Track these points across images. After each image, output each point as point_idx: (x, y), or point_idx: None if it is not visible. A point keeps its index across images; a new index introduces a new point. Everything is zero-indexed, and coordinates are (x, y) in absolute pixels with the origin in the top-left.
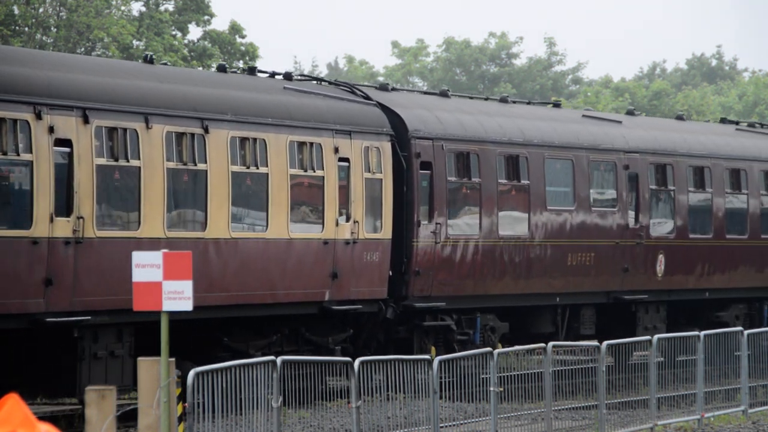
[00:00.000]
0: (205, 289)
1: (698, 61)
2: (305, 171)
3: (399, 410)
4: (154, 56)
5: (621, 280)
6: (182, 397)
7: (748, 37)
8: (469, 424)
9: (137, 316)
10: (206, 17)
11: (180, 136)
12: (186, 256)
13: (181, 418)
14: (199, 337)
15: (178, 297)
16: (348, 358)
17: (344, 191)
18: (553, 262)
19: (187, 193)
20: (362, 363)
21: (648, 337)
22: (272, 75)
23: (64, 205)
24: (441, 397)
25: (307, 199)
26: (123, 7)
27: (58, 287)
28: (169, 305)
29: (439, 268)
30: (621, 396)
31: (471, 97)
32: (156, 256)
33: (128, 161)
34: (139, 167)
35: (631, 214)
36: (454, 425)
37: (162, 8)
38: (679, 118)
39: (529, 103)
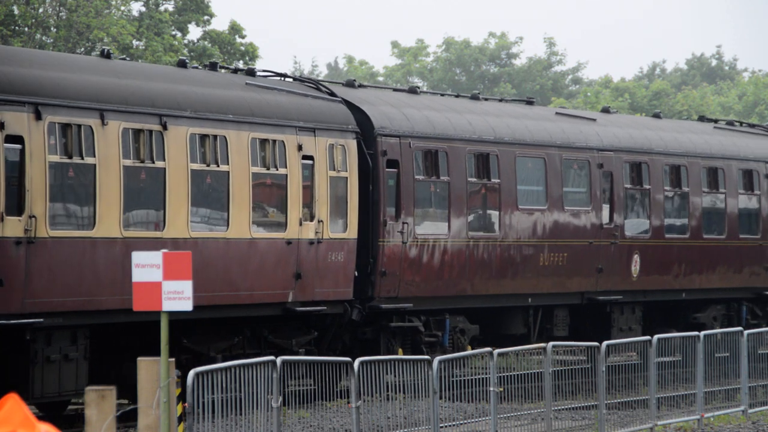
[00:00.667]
0: None
1: (698, 61)
2: (268, 169)
3: (399, 410)
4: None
5: (595, 281)
6: (182, 397)
7: (748, 37)
8: (469, 424)
9: (92, 318)
10: (206, 17)
11: (137, 132)
12: (186, 256)
13: (181, 418)
14: (158, 338)
15: (178, 297)
16: (348, 359)
17: (308, 190)
18: (525, 263)
19: (144, 191)
20: (362, 363)
21: (648, 338)
22: (235, 71)
23: (16, 204)
24: (441, 397)
25: (269, 197)
26: (123, 7)
27: (9, 288)
28: (169, 305)
29: (406, 269)
30: (621, 396)
31: (442, 95)
32: (156, 256)
33: (83, 159)
34: (95, 165)
35: (606, 213)
36: (454, 425)
37: (162, 8)
38: (656, 116)
39: (501, 101)
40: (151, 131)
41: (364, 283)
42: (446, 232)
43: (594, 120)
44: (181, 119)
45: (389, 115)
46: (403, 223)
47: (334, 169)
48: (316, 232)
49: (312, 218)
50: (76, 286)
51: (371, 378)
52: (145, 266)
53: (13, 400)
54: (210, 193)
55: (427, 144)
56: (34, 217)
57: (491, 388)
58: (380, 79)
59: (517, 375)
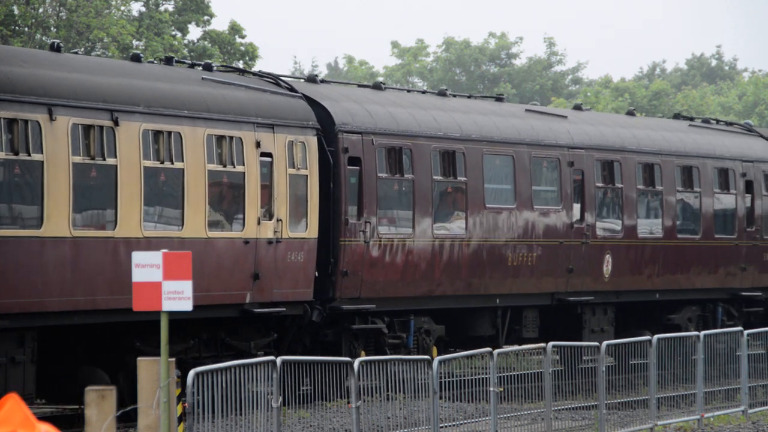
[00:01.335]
0: (116, 292)
1: (698, 61)
2: (224, 166)
3: (399, 410)
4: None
5: (566, 281)
6: (182, 397)
7: (748, 37)
8: (469, 424)
9: (41, 320)
10: (206, 17)
11: (87, 128)
12: (186, 256)
13: (181, 418)
14: (110, 341)
15: (178, 297)
16: (348, 359)
17: (267, 188)
18: (493, 263)
19: (95, 189)
20: (362, 363)
21: (648, 338)
22: (192, 65)
23: None
24: (441, 397)
25: (226, 196)
26: (123, 7)
27: None
28: (168, 305)
29: (368, 269)
30: (621, 396)
31: (408, 91)
32: (156, 256)
33: (30, 155)
34: (42, 162)
35: (577, 212)
36: (454, 425)
37: (162, 8)
38: (630, 113)
39: (470, 97)
40: (102, 127)
41: (325, 283)
42: (411, 232)
43: (565, 117)
44: (133, 114)
45: (351, 111)
46: (366, 222)
47: (294, 167)
48: (275, 232)
49: (271, 217)
50: (23, 288)
51: (371, 378)
52: (145, 266)
53: (13, 400)
54: (164, 192)
55: (390, 141)
56: None
57: (491, 388)
58: (380, 79)
59: (517, 375)
